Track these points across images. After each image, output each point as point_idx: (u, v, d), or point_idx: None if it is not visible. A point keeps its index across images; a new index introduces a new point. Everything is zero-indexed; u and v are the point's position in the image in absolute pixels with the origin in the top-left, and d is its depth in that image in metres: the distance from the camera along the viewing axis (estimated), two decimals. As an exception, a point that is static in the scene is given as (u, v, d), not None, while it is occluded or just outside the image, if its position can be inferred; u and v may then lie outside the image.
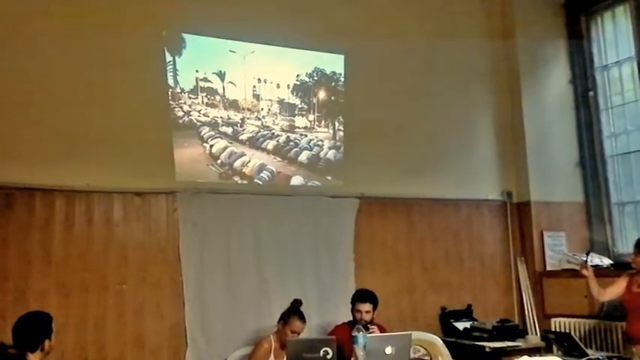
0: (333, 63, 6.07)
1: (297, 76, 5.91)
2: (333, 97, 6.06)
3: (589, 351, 4.62)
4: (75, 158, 4.90)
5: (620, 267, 5.78)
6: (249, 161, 5.61)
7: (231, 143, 5.56)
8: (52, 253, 4.77)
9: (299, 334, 4.51)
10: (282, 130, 5.79)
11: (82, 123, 4.97)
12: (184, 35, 5.46)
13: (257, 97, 5.72)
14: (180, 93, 5.40)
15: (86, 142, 4.97)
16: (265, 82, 5.76)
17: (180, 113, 5.38)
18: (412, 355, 4.43)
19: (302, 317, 4.54)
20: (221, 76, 5.58)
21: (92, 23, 5.09)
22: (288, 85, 5.86)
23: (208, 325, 5.17)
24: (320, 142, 5.95)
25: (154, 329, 5.02)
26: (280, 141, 5.76)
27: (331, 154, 5.98)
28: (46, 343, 3.28)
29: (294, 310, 4.58)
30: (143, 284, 5.04)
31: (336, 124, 6.05)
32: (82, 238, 4.89)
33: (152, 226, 5.16)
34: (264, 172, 5.66)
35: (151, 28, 5.29)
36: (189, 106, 5.43)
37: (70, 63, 4.99)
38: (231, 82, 5.62)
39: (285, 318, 4.55)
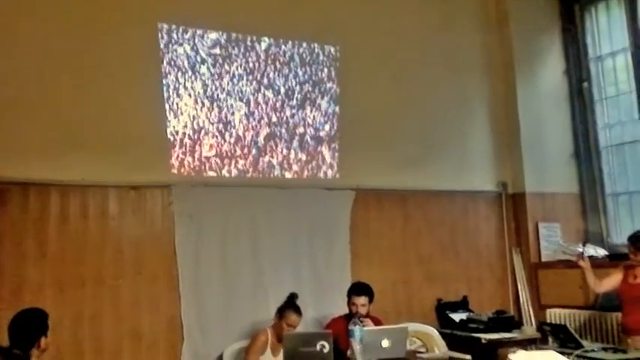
0: (329, 54, 6.05)
1: (293, 68, 5.89)
2: (328, 89, 6.04)
3: (584, 342, 4.64)
4: (70, 152, 4.87)
5: (614, 258, 5.81)
6: (244, 154, 5.59)
7: (227, 136, 5.54)
8: (48, 248, 4.74)
9: (295, 327, 4.51)
10: (278, 122, 5.77)
11: (77, 116, 4.95)
12: (180, 27, 5.43)
13: (253, 89, 5.69)
14: (176, 86, 5.37)
15: (81, 135, 4.95)
16: (261, 74, 5.74)
17: (176, 107, 5.35)
18: (408, 347, 4.43)
19: (298, 311, 4.57)
20: (217, 68, 5.55)
21: (87, 16, 5.06)
22: (284, 77, 5.84)
23: (204, 318, 5.17)
24: (315, 134, 5.93)
25: (150, 323, 5.01)
26: (276, 133, 5.74)
27: (327, 146, 5.97)
28: (42, 340, 3.27)
29: (290, 304, 4.61)
30: (139, 278, 5.02)
31: (332, 115, 6.03)
32: (78, 233, 4.87)
33: (148, 219, 5.14)
34: (260, 164, 5.65)
35: (147, 20, 5.28)
36: (185, 99, 5.40)
37: (64, 56, 4.96)
38: (227, 75, 5.59)
39: (281, 312, 4.57)
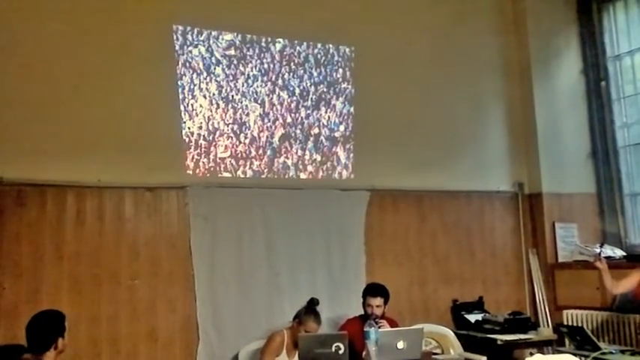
0: (343, 55, 6.05)
1: (308, 68, 5.89)
2: (343, 89, 6.03)
3: (602, 344, 4.60)
4: (86, 154, 4.91)
5: (632, 258, 5.77)
6: (259, 155, 5.60)
7: (241, 137, 5.55)
8: (64, 249, 4.79)
9: None
10: (293, 123, 5.77)
11: (93, 119, 4.99)
12: (195, 29, 5.45)
13: (268, 90, 5.70)
14: (191, 87, 5.39)
15: (97, 137, 4.98)
16: (276, 75, 5.75)
17: (191, 108, 5.37)
18: (423, 348, 4.42)
19: (317, 318, 4.49)
20: (232, 69, 5.57)
21: (102, 18, 5.10)
22: (299, 78, 5.85)
23: (220, 319, 5.19)
24: (330, 135, 5.93)
25: (166, 324, 5.04)
26: (291, 134, 5.75)
27: (342, 146, 5.97)
28: (60, 341, 3.30)
29: (310, 310, 4.53)
30: (155, 279, 5.06)
31: (347, 116, 6.02)
32: (94, 234, 4.91)
33: (163, 221, 5.17)
34: (275, 165, 5.65)
35: (162, 22, 5.31)
36: (200, 100, 5.42)
37: (80, 58, 5.00)
38: (242, 75, 5.60)
39: (300, 317, 4.51)
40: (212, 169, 5.41)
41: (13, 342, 3.79)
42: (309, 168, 5.82)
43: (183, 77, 5.37)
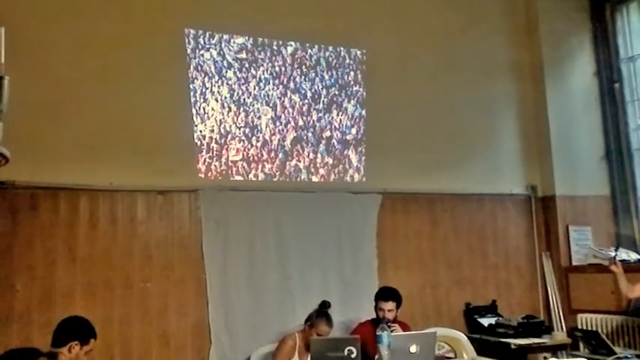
0: (355, 57, 6.04)
1: (320, 71, 5.88)
2: (355, 92, 6.02)
3: (617, 349, 4.56)
4: (98, 158, 4.93)
5: (647, 262, 5.72)
6: (271, 158, 5.60)
7: (253, 140, 5.55)
8: (77, 252, 4.80)
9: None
10: (305, 126, 5.77)
11: (106, 122, 5.01)
12: (207, 33, 5.46)
13: (279, 93, 5.70)
14: (203, 90, 5.40)
15: (109, 141, 5.00)
16: (288, 78, 5.75)
17: (203, 111, 5.38)
18: (436, 352, 4.39)
19: (329, 321, 4.50)
20: (243, 72, 5.57)
21: (114, 22, 5.13)
22: (311, 81, 5.84)
23: (232, 322, 5.18)
24: (342, 138, 5.92)
25: (178, 327, 5.04)
26: (302, 137, 5.74)
27: (353, 149, 5.95)
28: (75, 347, 3.28)
29: (322, 314, 4.54)
30: (167, 282, 5.06)
31: (358, 119, 6.01)
32: (107, 237, 4.92)
33: (175, 224, 5.18)
34: (287, 168, 5.65)
35: (174, 25, 5.34)
36: (212, 104, 5.43)
37: (93, 62, 5.02)
38: (254, 79, 5.61)
39: (312, 320, 4.51)
40: (224, 172, 5.41)
41: (27, 344, 3.82)
42: (321, 171, 5.81)
43: (195, 81, 5.39)
